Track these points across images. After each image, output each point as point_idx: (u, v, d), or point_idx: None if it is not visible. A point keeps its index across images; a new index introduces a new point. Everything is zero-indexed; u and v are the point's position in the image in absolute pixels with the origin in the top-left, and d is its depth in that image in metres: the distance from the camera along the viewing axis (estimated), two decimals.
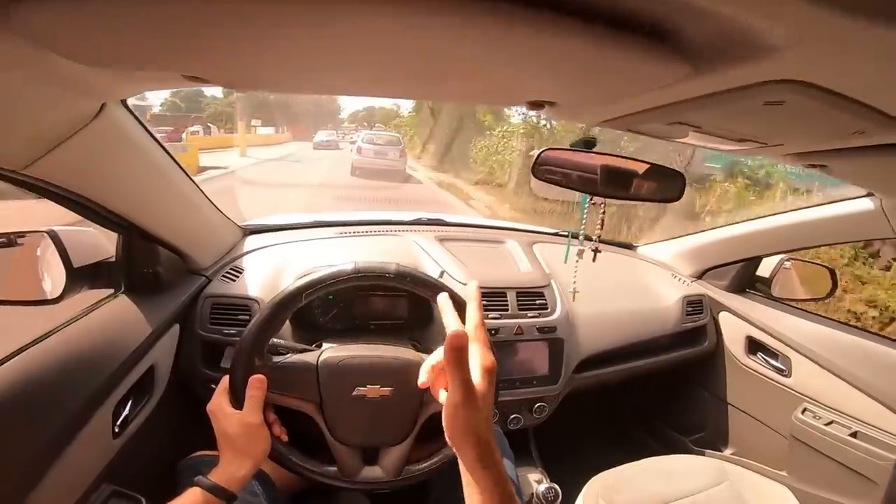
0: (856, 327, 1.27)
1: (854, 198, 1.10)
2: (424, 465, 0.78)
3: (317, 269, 0.76)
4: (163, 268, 0.92)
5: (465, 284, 1.14)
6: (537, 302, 1.19)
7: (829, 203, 1.17)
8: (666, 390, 1.65)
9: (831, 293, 1.40)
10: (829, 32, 0.31)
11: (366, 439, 0.78)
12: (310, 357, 0.75)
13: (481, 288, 1.11)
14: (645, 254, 1.62)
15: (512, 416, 1.17)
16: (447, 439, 0.49)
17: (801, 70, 0.39)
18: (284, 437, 0.75)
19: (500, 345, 1.12)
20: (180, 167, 0.86)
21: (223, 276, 1.05)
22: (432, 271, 1.16)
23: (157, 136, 0.76)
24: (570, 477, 1.10)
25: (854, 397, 1.16)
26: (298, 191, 9.03)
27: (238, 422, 0.66)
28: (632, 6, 0.34)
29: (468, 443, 0.47)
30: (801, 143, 0.65)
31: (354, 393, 0.74)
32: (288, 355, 0.75)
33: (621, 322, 1.30)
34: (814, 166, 0.78)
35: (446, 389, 0.50)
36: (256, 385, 0.68)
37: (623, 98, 0.51)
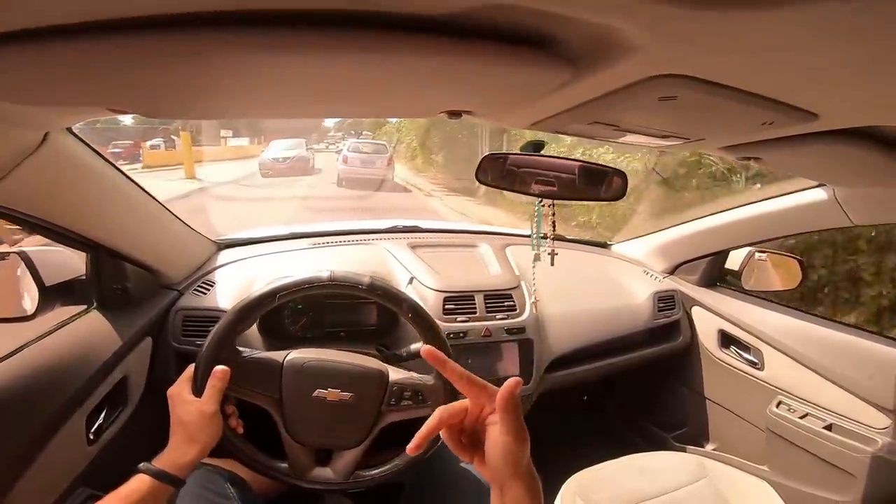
0: (827, 318, 1.28)
1: (809, 188, 1.12)
2: (375, 471, 0.81)
3: (291, 274, 0.79)
4: (132, 283, 0.95)
5: (435, 290, 1.18)
6: (506, 304, 1.21)
7: (788, 194, 1.19)
8: (647, 387, 1.66)
9: (801, 283, 1.41)
10: (679, 25, 0.34)
11: (321, 440, 0.80)
12: (276, 356, 0.78)
13: (449, 291, 1.15)
14: (618, 252, 1.65)
15: None
16: (492, 479, 0.54)
17: (671, 64, 0.41)
18: (240, 430, 0.79)
19: (468, 347, 1.14)
20: (138, 186, 0.90)
21: (195, 289, 1.08)
22: (402, 278, 1.20)
23: (117, 149, 0.80)
24: (552, 477, 1.11)
25: (827, 389, 1.17)
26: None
27: (194, 408, 0.69)
28: (505, 20, 0.37)
29: (520, 478, 0.53)
30: (720, 137, 0.68)
31: (315, 394, 0.76)
32: (253, 350, 0.78)
33: (592, 320, 1.32)
34: (749, 159, 0.81)
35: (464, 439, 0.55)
36: (219, 375, 0.71)
37: (532, 102, 0.54)
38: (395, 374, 0.80)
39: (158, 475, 0.64)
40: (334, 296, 1.07)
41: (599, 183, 0.84)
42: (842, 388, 1.14)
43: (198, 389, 0.72)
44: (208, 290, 1.09)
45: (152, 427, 0.92)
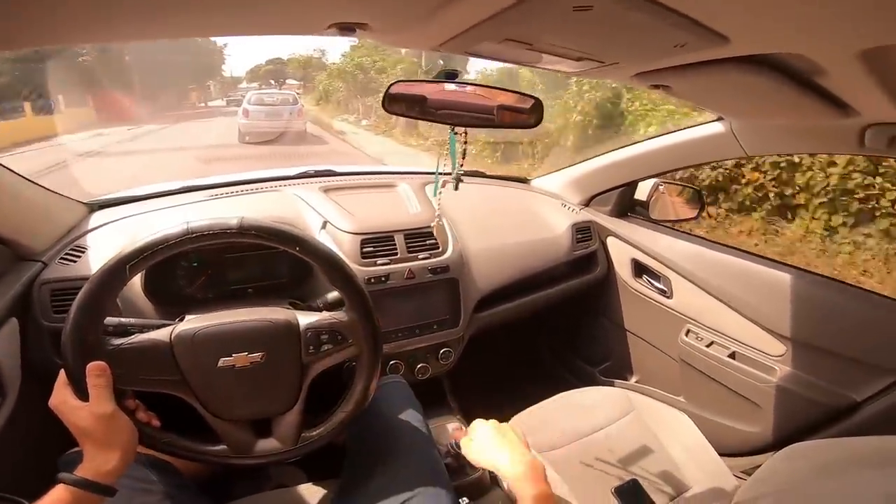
0: (728, 246, 1.36)
1: (709, 122, 1.17)
2: (321, 429, 0.75)
3: (144, 237, 0.66)
4: None
5: (351, 234, 1.11)
6: (427, 242, 1.17)
7: (689, 128, 1.24)
8: (572, 322, 1.73)
9: (700, 213, 1.52)
10: None
11: (249, 411, 0.72)
12: (160, 334, 0.67)
13: (367, 233, 1.09)
14: (538, 186, 1.66)
15: (419, 366, 1.17)
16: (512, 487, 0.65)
17: None
18: (155, 422, 0.69)
19: (392, 292, 1.10)
20: None
21: (61, 258, 0.92)
22: (314, 224, 1.11)
23: None
24: (493, 419, 1.14)
25: (730, 316, 1.24)
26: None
27: (88, 414, 0.60)
28: None
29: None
30: (634, 61, 0.67)
31: (220, 364, 0.67)
32: (133, 336, 0.66)
33: (515, 254, 1.33)
34: (657, 87, 0.81)
35: None
36: (96, 373, 0.61)
37: (433, 14, 0.48)
38: (305, 318, 0.72)
39: (81, 484, 0.56)
40: (230, 248, 0.96)
41: (515, 110, 0.80)
42: (742, 315, 1.22)
43: (80, 392, 0.61)
44: (78, 257, 0.93)
45: (44, 415, 0.81)
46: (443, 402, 1.33)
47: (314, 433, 0.75)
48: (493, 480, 1.01)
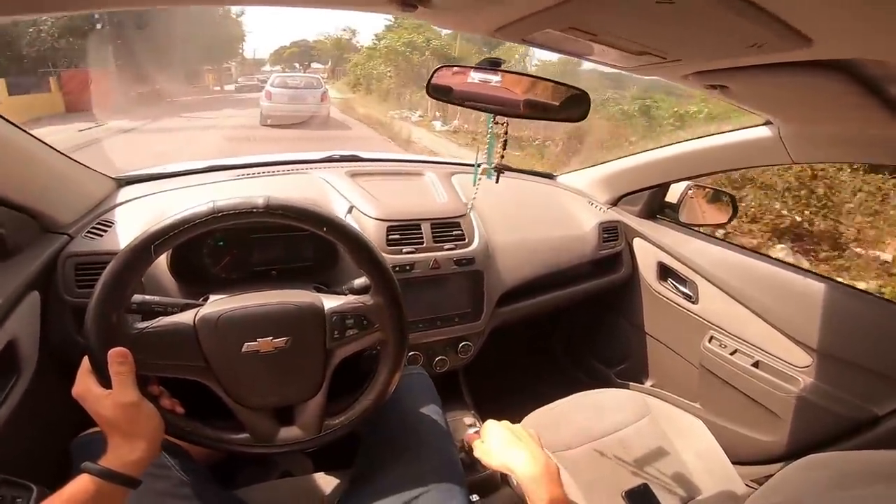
0: (759, 253, 1.33)
1: (754, 126, 1.13)
2: (344, 417, 0.74)
3: (170, 215, 0.64)
4: (6, 230, 0.79)
5: (377, 220, 1.09)
6: (454, 233, 1.15)
7: (730, 131, 1.20)
8: (591, 322, 1.71)
9: (732, 218, 1.48)
10: None
11: (273, 399, 0.71)
12: (184, 317, 0.65)
13: (393, 220, 1.07)
14: (564, 182, 1.62)
15: (437, 359, 1.16)
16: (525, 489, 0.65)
17: None
18: (179, 409, 0.68)
19: (416, 281, 1.08)
20: (6, 120, 0.73)
21: (88, 232, 0.91)
22: (340, 208, 1.09)
23: None
24: (505, 417, 1.12)
25: (756, 325, 1.22)
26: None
27: (111, 402, 0.58)
28: None
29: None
30: (698, 59, 0.63)
31: (244, 349, 0.65)
32: (158, 319, 0.65)
33: (540, 250, 1.30)
34: (714, 87, 0.77)
35: None
36: (118, 360, 0.59)
37: None
38: (330, 301, 0.70)
39: (106, 475, 0.54)
40: (256, 229, 0.94)
41: (559, 101, 0.76)
42: (769, 324, 1.20)
43: (104, 380, 0.59)
44: (105, 231, 0.92)
45: (59, 395, 0.80)
46: (457, 396, 1.33)
47: (336, 421, 0.73)
48: (504, 479, 1.01)
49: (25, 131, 0.82)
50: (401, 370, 0.75)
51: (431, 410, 0.89)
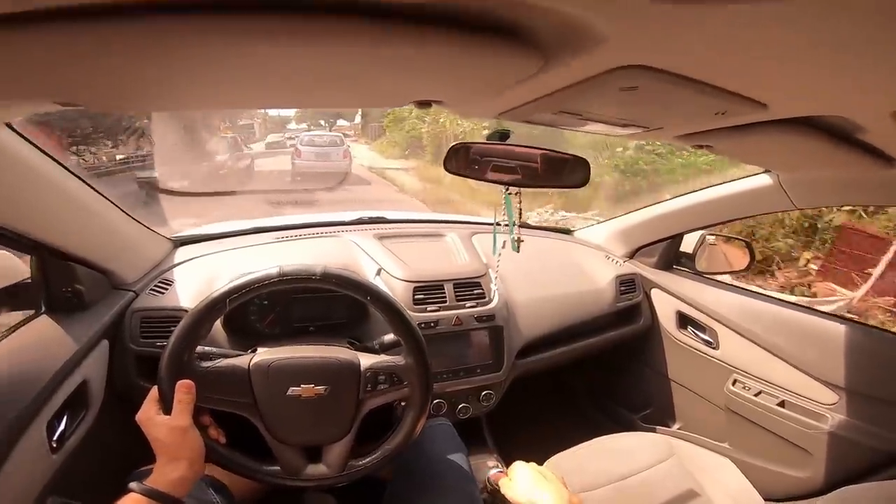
0: (776, 298, 1.35)
1: (755, 174, 1.19)
2: (367, 460, 0.80)
3: (243, 274, 0.76)
4: (84, 286, 0.91)
5: (404, 281, 1.17)
6: (475, 291, 1.22)
7: (735, 181, 1.26)
8: (613, 369, 1.72)
9: (750, 265, 1.50)
10: (643, 18, 0.36)
11: (306, 438, 0.79)
12: (241, 361, 0.76)
13: (418, 281, 1.15)
14: (581, 237, 1.69)
15: (460, 406, 1.20)
16: None
17: (633, 55, 0.43)
18: (222, 440, 0.76)
19: (440, 336, 1.15)
20: (86, 183, 0.86)
21: (151, 289, 1.04)
22: (370, 270, 1.19)
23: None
24: (529, 460, 1.13)
25: (778, 367, 1.23)
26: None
27: (167, 427, 0.67)
28: (478, 8, 0.38)
29: None
30: (677, 126, 0.72)
31: (289, 393, 0.75)
32: (219, 360, 0.75)
33: (559, 305, 1.35)
34: (701, 146, 0.85)
35: None
36: (184, 390, 0.69)
37: (500, 92, 0.55)
38: (366, 359, 0.79)
39: (149, 493, 0.62)
40: (299, 290, 1.06)
41: (562, 170, 0.86)
42: (792, 366, 1.21)
43: (166, 408, 0.70)
44: (166, 289, 1.05)
45: (119, 431, 0.89)
46: (480, 440, 1.35)
47: (360, 462, 0.80)
48: None
49: (100, 192, 0.92)
50: (424, 419, 0.82)
51: (456, 456, 0.93)
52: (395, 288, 1.16)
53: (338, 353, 0.80)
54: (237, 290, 0.73)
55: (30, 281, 0.88)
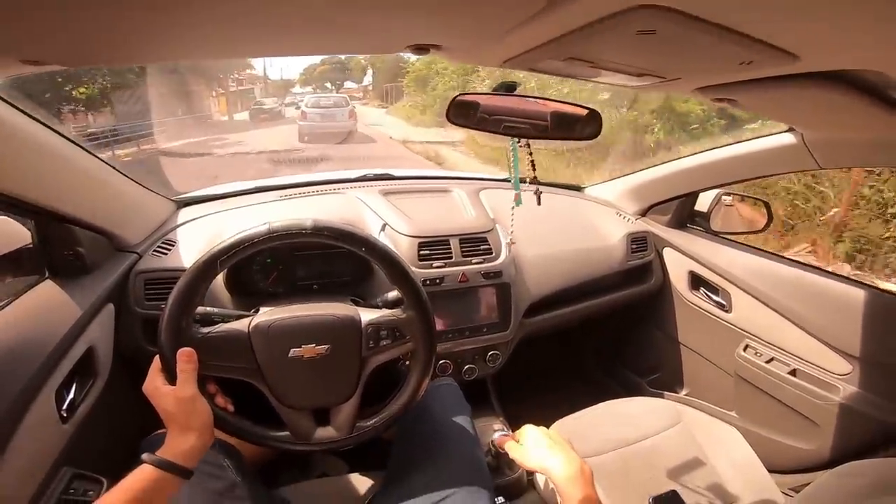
0: (793, 260, 1.30)
1: (778, 132, 1.12)
2: (374, 419, 0.80)
3: (234, 234, 0.74)
4: (86, 249, 0.90)
5: (409, 236, 1.16)
6: (481, 247, 1.20)
7: (756, 138, 1.20)
8: (622, 332, 1.71)
9: (767, 226, 1.45)
10: None
11: (312, 401, 0.78)
12: (240, 325, 0.74)
13: (424, 237, 1.14)
14: (592, 194, 1.65)
15: (466, 367, 1.20)
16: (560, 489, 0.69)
17: None
18: (230, 407, 0.76)
19: (446, 294, 1.14)
20: (82, 147, 0.84)
21: (154, 250, 1.03)
22: (374, 225, 1.17)
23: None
24: (536, 423, 1.14)
25: (792, 333, 1.20)
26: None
27: (173, 397, 0.66)
28: None
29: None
30: (697, 77, 0.67)
31: (290, 355, 0.73)
32: (218, 325, 0.74)
33: (568, 262, 1.33)
34: (722, 100, 0.80)
35: None
36: (185, 359, 0.68)
37: (503, 36, 0.51)
38: (367, 314, 0.78)
39: (162, 464, 0.62)
40: (298, 247, 1.04)
41: (574, 122, 0.82)
42: (806, 332, 1.17)
43: (171, 377, 0.69)
44: (169, 250, 1.04)
45: (129, 398, 0.89)
46: (486, 403, 1.36)
47: (368, 423, 0.80)
48: (531, 482, 1.03)
49: (97, 156, 0.91)
50: (429, 376, 0.81)
51: (460, 417, 0.94)
52: (400, 243, 1.15)
53: (336, 309, 0.78)
54: (226, 250, 0.71)
55: (31, 246, 0.87)
